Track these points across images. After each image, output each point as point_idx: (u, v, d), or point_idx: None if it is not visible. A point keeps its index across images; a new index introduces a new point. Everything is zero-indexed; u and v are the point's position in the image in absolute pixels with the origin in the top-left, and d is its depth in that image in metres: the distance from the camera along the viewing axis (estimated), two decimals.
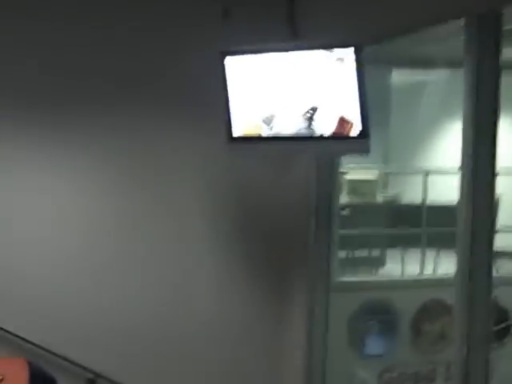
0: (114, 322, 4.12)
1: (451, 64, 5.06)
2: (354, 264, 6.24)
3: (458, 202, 3.12)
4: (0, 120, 3.91)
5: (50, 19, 3.95)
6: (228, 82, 3.63)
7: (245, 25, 4.11)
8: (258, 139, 3.63)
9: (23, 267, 3.98)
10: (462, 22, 3.07)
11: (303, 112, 3.45)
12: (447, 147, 7.52)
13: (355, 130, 3.28)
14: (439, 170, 6.66)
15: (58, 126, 4.03)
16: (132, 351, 4.16)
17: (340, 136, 3.34)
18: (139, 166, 4.20)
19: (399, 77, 6.79)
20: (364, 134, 3.25)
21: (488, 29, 2.98)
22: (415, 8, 3.34)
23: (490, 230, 3.10)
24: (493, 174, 3.06)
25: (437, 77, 6.53)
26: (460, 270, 3.12)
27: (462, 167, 3.09)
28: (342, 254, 5.45)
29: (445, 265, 5.91)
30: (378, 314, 4.50)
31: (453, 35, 3.30)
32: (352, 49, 3.17)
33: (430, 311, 4.65)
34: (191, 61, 4.13)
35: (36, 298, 3.99)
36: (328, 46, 3.27)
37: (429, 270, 6.16)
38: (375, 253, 6.64)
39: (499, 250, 3.83)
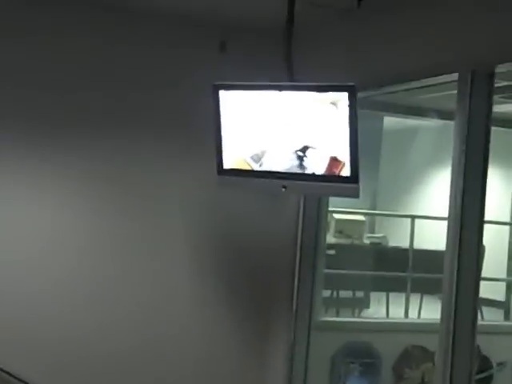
0: (91, 349, 4.07)
1: (442, 114, 5.16)
2: (337, 304, 6.23)
3: (445, 250, 3.14)
4: None
5: (49, 47, 3.98)
6: (221, 115, 3.65)
7: (241, 59, 4.17)
8: (249, 173, 3.64)
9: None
10: (455, 76, 3.13)
11: (294, 150, 3.47)
12: (435, 194, 7.61)
13: (346, 170, 3.30)
14: (426, 216, 6.71)
15: (52, 147, 4.02)
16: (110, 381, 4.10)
17: (331, 175, 3.36)
18: (128, 193, 4.18)
19: (390, 123, 6.88)
20: (354, 179, 3.26)
21: (481, 85, 3.04)
22: (411, 58, 3.40)
23: (476, 278, 3.10)
24: (480, 224, 3.09)
25: (427, 125, 6.62)
26: (444, 317, 3.12)
27: (450, 216, 3.12)
28: (326, 293, 5.45)
29: (429, 310, 5.92)
30: (359, 356, 4.48)
31: (446, 88, 3.36)
32: (346, 93, 3.20)
33: (412, 357, 4.63)
34: (185, 92, 4.17)
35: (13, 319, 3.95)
36: (323, 89, 3.31)
37: (413, 315, 6.17)
38: (359, 294, 6.63)
39: (484, 298, 3.84)
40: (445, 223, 3.18)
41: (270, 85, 3.51)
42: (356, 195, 3.32)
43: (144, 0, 3.91)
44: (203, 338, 4.33)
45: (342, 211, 6.41)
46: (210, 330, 4.35)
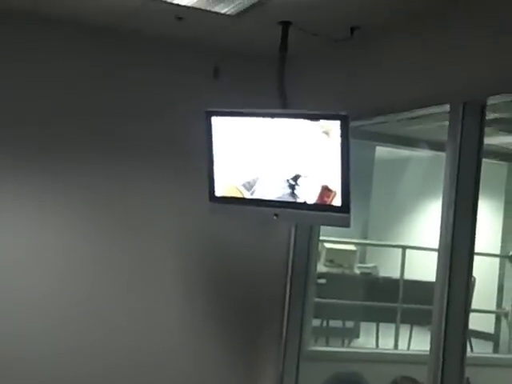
0: (81, 370, 4.03)
1: (434, 145, 5.19)
2: (327, 334, 6.20)
3: (435, 281, 3.13)
4: None
5: (45, 73, 3.99)
6: (213, 142, 3.65)
7: (235, 85, 4.19)
8: (240, 200, 3.64)
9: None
10: (447, 107, 3.14)
11: (287, 178, 3.47)
12: (426, 224, 7.61)
13: (338, 199, 3.30)
14: (417, 246, 6.71)
15: (51, 174, 4.01)
16: None
17: (322, 204, 3.36)
18: (120, 219, 4.16)
19: (382, 152, 6.92)
20: (345, 208, 3.26)
21: (472, 117, 3.05)
22: (403, 89, 3.43)
23: (465, 309, 3.09)
24: (471, 255, 3.08)
25: (419, 156, 6.65)
26: (433, 348, 3.10)
27: (440, 247, 3.12)
28: (315, 322, 5.42)
29: (418, 341, 5.89)
30: None
31: (437, 119, 3.38)
32: (339, 122, 3.21)
33: None
34: (178, 118, 4.18)
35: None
36: (315, 117, 3.32)
37: (402, 346, 6.13)
38: (349, 324, 6.60)
39: (473, 330, 3.83)
40: (435, 254, 3.17)
41: (262, 112, 3.52)
42: (347, 225, 3.32)
43: (137, 25, 3.94)
44: (192, 367, 4.29)
45: (332, 240, 6.40)
46: (199, 358, 4.31)
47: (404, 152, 6.73)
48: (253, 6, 3.42)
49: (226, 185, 3.68)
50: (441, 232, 3.12)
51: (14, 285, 3.94)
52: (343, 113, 3.21)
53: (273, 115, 3.50)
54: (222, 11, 3.55)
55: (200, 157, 3.73)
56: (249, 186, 3.61)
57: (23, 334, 3.94)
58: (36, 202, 3.99)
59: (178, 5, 3.49)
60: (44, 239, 4.02)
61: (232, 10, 3.52)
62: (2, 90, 3.90)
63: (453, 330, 3.04)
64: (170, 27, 3.89)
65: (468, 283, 3.08)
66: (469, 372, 3.16)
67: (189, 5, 3.48)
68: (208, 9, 3.52)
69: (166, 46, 4.16)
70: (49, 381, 3.98)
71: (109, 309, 4.13)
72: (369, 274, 7.08)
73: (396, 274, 6.30)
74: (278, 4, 3.37)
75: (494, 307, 6.93)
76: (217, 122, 3.64)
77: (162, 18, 3.75)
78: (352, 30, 3.61)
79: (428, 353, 3.16)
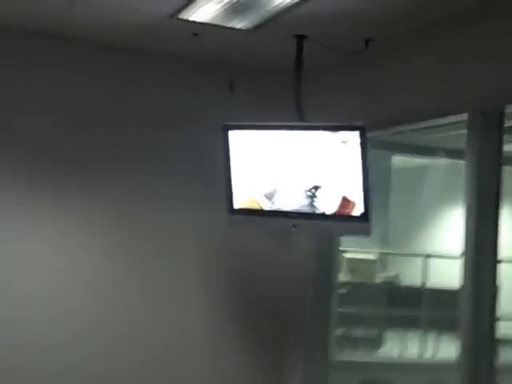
0: (104, 376, 4.06)
1: (452, 154, 5.16)
2: (351, 343, 6.17)
3: (460, 289, 3.12)
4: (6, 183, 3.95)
5: (62, 86, 4.06)
6: (231, 155, 3.68)
7: (251, 99, 4.22)
8: (259, 212, 3.65)
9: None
10: (465, 116, 3.14)
11: (305, 189, 3.48)
12: (447, 232, 7.56)
13: (357, 210, 3.30)
14: (439, 254, 6.66)
15: (66, 189, 4.06)
16: None
17: (342, 215, 3.36)
18: (137, 232, 4.20)
19: (399, 161, 6.89)
20: (366, 217, 3.27)
21: (490, 125, 3.05)
22: (421, 98, 3.43)
23: (493, 316, 3.07)
24: (495, 262, 3.07)
25: (437, 164, 6.61)
26: (463, 356, 3.08)
27: (465, 255, 3.11)
28: (339, 332, 5.39)
29: (444, 348, 5.84)
30: None
31: (455, 128, 3.38)
32: (357, 132, 3.23)
33: None
34: (196, 132, 4.22)
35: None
36: (333, 128, 3.34)
37: (428, 353, 6.09)
38: (373, 333, 6.56)
39: (501, 337, 3.80)
40: (457, 261, 3.16)
41: (280, 125, 3.55)
42: (367, 234, 3.33)
43: (153, 42, 3.98)
44: (217, 377, 4.29)
45: (353, 250, 6.38)
46: (224, 370, 4.32)
47: (421, 160, 6.70)
48: (267, 20, 3.45)
49: (244, 197, 3.70)
50: (464, 239, 3.11)
51: (38, 295, 3.99)
52: (360, 123, 3.23)
53: (291, 128, 3.52)
54: (237, 26, 3.58)
55: (217, 170, 3.76)
56: (267, 198, 3.63)
57: (46, 343, 3.98)
58: (53, 214, 4.04)
59: (193, 21, 3.53)
60: (63, 249, 4.06)
61: (247, 25, 3.56)
62: (21, 104, 3.96)
63: (481, 337, 3.03)
64: (185, 43, 3.93)
65: (494, 289, 3.07)
66: (499, 379, 3.14)
67: (204, 21, 3.52)
68: (223, 24, 3.56)
69: (182, 62, 4.21)
70: None
71: (132, 317, 4.16)
72: (391, 282, 7.04)
73: (418, 282, 6.26)
74: (292, 18, 3.39)
75: None
76: (234, 135, 3.67)
77: (178, 35, 3.79)
78: (367, 41, 3.63)
79: (453, 360, 3.15)
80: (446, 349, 5.16)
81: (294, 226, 3.53)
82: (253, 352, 4.39)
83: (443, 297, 5.80)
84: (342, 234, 4.18)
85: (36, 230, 4.01)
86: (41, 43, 3.97)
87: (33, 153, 3.97)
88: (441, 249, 7.08)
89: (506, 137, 3.07)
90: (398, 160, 6.79)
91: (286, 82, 3.79)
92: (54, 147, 4.02)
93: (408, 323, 6.29)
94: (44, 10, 3.57)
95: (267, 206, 3.62)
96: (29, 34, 3.90)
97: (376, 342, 6.53)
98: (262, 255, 4.39)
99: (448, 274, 4.09)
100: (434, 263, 6.40)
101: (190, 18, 3.50)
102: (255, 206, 3.66)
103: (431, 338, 6.29)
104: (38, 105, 3.99)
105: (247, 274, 4.38)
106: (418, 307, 6.06)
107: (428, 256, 6.35)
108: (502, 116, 3.04)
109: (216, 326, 4.32)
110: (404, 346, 6.31)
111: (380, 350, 6.39)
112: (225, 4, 3.28)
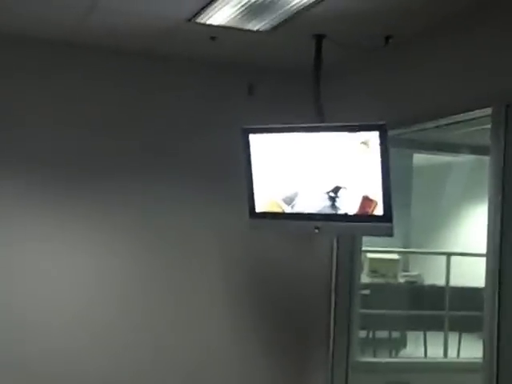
0: None
1: (474, 150, 5.10)
2: (374, 344, 6.13)
3: (484, 287, 3.08)
4: (25, 192, 3.97)
5: (84, 93, 4.08)
6: (252, 158, 3.67)
7: (271, 101, 4.21)
8: (281, 215, 3.65)
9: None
10: (489, 110, 3.10)
11: (327, 191, 3.47)
12: (470, 230, 7.49)
13: (379, 209, 3.28)
14: (462, 253, 6.60)
15: (90, 196, 4.07)
16: None
17: (364, 215, 3.34)
18: (162, 238, 4.21)
19: (421, 159, 6.84)
20: (387, 217, 3.25)
21: None
22: (443, 94, 3.39)
23: None
24: None
25: (458, 161, 6.55)
26: (487, 356, 3.04)
27: (489, 253, 3.07)
28: (362, 333, 5.37)
29: (468, 349, 5.79)
30: None
31: (478, 123, 3.34)
32: (377, 132, 3.21)
33: None
34: (216, 136, 4.21)
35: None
36: (354, 128, 3.32)
37: (451, 354, 6.03)
38: (396, 334, 6.52)
39: None
40: (482, 259, 3.13)
41: (300, 127, 3.53)
42: (390, 234, 3.30)
43: (171, 47, 3.99)
44: (240, 379, 4.30)
45: (375, 250, 6.35)
46: (247, 371, 4.32)
47: (443, 158, 6.65)
48: (285, 21, 3.44)
49: (265, 200, 3.69)
50: (488, 237, 3.07)
51: (64, 304, 4.01)
52: (381, 122, 3.21)
53: (311, 129, 3.50)
54: (255, 28, 3.58)
55: (238, 173, 3.75)
56: (289, 201, 3.62)
57: (72, 352, 4.00)
58: (75, 219, 4.05)
59: (210, 25, 3.53)
60: (86, 256, 4.08)
61: (264, 27, 3.55)
62: (39, 110, 3.98)
63: (506, 336, 2.98)
64: (203, 47, 3.93)
65: None
66: None
67: (221, 24, 3.52)
68: (240, 27, 3.56)
69: (200, 66, 4.21)
70: None
71: (156, 320, 4.17)
72: (413, 282, 6.99)
73: (441, 282, 6.21)
74: (310, 18, 3.38)
75: None
76: (254, 138, 3.66)
77: (195, 39, 3.79)
78: (386, 38, 3.60)
79: (478, 360, 3.12)
80: (470, 349, 5.11)
81: (316, 227, 3.51)
82: (275, 354, 4.38)
83: (467, 296, 5.75)
84: (365, 235, 4.16)
85: (54, 236, 4.02)
86: (58, 52, 4.00)
87: (52, 159, 3.99)
88: (464, 247, 7.02)
89: None
90: (420, 158, 6.76)
91: (305, 82, 3.78)
92: (75, 154, 4.04)
93: (431, 323, 6.24)
94: (61, 19, 3.59)
95: (289, 208, 3.61)
96: (46, 43, 3.92)
97: (399, 343, 6.49)
98: (285, 258, 4.38)
99: (472, 272, 4.05)
100: (459, 261, 6.34)
101: (207, 22, 3.49)
102: (277, 209, 3.65)
103: (455, 338, 6.23)
104: (59, 109, 4.02)
105: (270, 277, 4.37)
106: (442, 307, 6.00)
107: (451, 254, 6.28)
108: None
109: (239, 328, 4.32)
110: (427, 347, 6.27)
111: (403, 351, 6.35)
112: (241, 6, 3.27)
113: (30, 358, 3.90)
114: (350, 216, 3.40)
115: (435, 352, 6.07)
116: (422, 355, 6.24)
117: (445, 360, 5.85)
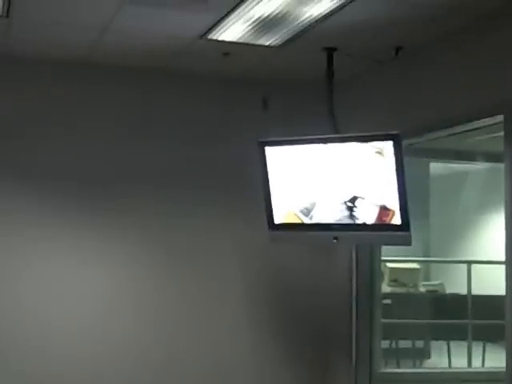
0: None
1: (491, 157, 5.07)
2: (397, 355, 6.08)
3: (505, 295, 3.06)
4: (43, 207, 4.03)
5: (105, 109, 4.16)
6: (268, 171, 3.70)
7: (284, 115, 4.24)
8: (299, 226, 3.66)
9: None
10: (501, 118, 3.11)
11: (344, 201, 3.48)
12: (490, 237, 7.43)
13: (397, 218, 3.29)
14: (482, 261, 6.55)
15: (112, 212, 4.13)
16: None
17: (381, 224, 3.35)
18: (182, 252, 4.24)
19: (437, 169, 6.83)
20: (405, 226, 3.25)
21: None
22: (454, 103, 3.41)
23: None
24: None
25: (476, 169, 6.52)
26: (509, 365, 3.02)
27: (507, 260, 3.05)
28: (384, 344, 5.34)
29: (493, 358, 5.72)
30: None
31: (492, 130, 3.34)
32: (391, 142, 3.22)
33: None
34: (233, 150, 4.25)
35: None
36: (368, 138, 3.34)
37: (476, 364, 5.97)
38: (419, 344, 6.46)
39: None
40: (503, 267, 3.11)
41: (315, 138, 3.56)
42: (408, 243, 3.30)
43: (185, 63, 4.04)
44: None
45: (395, 260, 6.32)
46: (269, 383, 4.31)
47: (461, 166, 6.63)
48: (296, 35, 3.48)
49: (284, 212, 3.71)
50: (506, 244, 3.06)
51: (82, 315, 4.06)
52: (395, 132, 3.22)
53: (326, 140, 3.53)
54: (266, 43, 3.62)
55: (256, 186, 3.78)
56: (307, 212, 3.63)
57: (89, 360, 4.04)
58: (90, 233, 4.10)
59: (223, 41, 3.58)
60: (103, 273, 4.12)
61: (276, 42, 3.59)
62: (62, 129, 4.07)
63: None
64: (217, 63, 3.98)
65: None
66: None
67: (233, 40, 3.57)
68: (252, 42, 3.60)
69: (214, 81, 4.26)
70: None
71: (176, 334, 4.20)
72: (435, 291, 6.94)
73: (463, 290, 6.16)
74: (320, 31, 3.41)
75: None
76: (270, 150, 3.69)
77: (208, 55, 3.84)
78: (397, 49, 3.63)
79: (503, 369, 3.09)
80: (495, 358, 5.05)
81: (335, 238, 3.52)
82: (297, 366, 4.37)
83: (490, 304, 5.69)
84: (383, 244, 4.15)
85: (69, 250, 4.07)
86: (73, 72, 4.07)
87: (67, 175, 4.05)
88: (486, 255, 6.95)
89: None
90: (437, 167, 6.74)
91: (318, 95, 3.81)
92: (89, 169, 4.10)
93: (455, 333, 6.18)
94: (76, 41, 3.67)
95: (307, 219, 3.63)
96: (61, 63, 4.00)
97: (423, 353, 6.43)
98: (304, 268, 4.39)
99: (494, 280, 4.02)
100: (481, 269, 6.29)
101: (219, 38, 3.54)
102: (295, 220, 3.67)
103: (479, 347, 6.17)
104: (73, 129, 4.09)
105: (290, 287, 4.38)
106: (465, 316, 5.94)
107: (471, 262, 6.23)
108: None
109: (260, 340, 4.32)
110: (451, 356, 6.21)
111: (427, 361, 6.30)
112: (252, 22, 3.31)
113: (50, 367, 3.95)
114: (368, 225, 3.41)
115: (460, 362, 6.01)
116: (446, 365, 6.18)
117: (469, 370, 5.79)
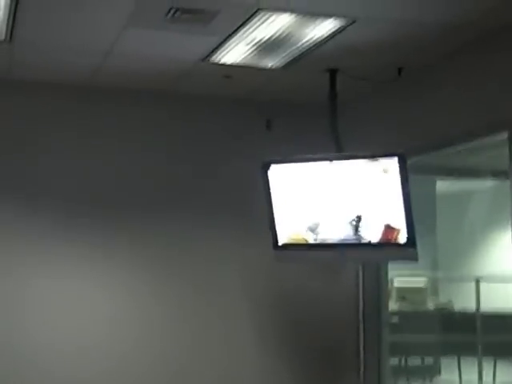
0: None
1: (497, 175, 5.05)
2: (407, 372, 6.05)
3: None
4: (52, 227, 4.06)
5: (107, 135, 4.19)
6: (272, 191, 3.71)
7: (288, 136, 4.26)
8: (304, 246, 3.66)
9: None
10: (505, 135, 3.12)
11: (349, 220, 3.48)
12: (498, 255, 7.40)
13: (402, 236, 3.29)
14: (491, 278, 6.51)
15: (116, 233, 4.15)
16: None
17: (387, 243, 3.35)
18: (187, 273, 4.25)
19: (444, 187, 6.82)
20: (411, 242, 3.25)
21: None
22: (457, 121, 3.42)
23: None
24: None
25: (483, 186, 6.50)
26: None
27: None
28: (393, 361, 5.30)
29: (503, 375, 5.68)
30: None
31: (497, 147, 3.34)
32: (396, 159, 3.23)
33: None
34: (236, 171, 4.28)
35: None
36: (372, 157, 3.35)
37: (486, 380, 5.92)
38: (429, 361, 6.42)
39: None
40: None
41: (320, 157, 3.57)
42: (414, 259, 3.30)
43: (188, 87, 4.08)
44: None
45: (401, 279, 6.29)
46: None
47: (467, 184, 6.60)
48: (298, 57, 3.51)
49: (288, 232, 3.71)
50: None
51: (87, 336, 4.06)
52: (399, 151, 3.24)
53: (331, 159, 3.54)
54: (268, 65, 3.65)
55: (260, 206, 3.79)
56: (312, 231, 3.64)
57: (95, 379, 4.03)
58: (102, 257, 4.12)
59: (224, 64, 3.61)
60: (112, 295, 4.14)
61: (278, 64, 3.62)
62: (71, 152, 4.12)
63: None
64: (219, 85, 4.02)
65: None
66: None
67: (235, 63, 3.59)
68: (254, 65, 3.63)
69: (217, 104, 4.30)
70: None
71: (181, 356, 4.19)
72: (444, 308, 6.90)
73: (471, 307, 6.12)
74: (322, 53, 3.44)
75: None
76: (274, 171, 3.70)
77: (211, 78, 3.87)
78: (399, 70, 3.65)
79: None
80: (507, 374, 5.01)
81: (340, 257, 3.52)
82: None
83: (499, 321, 5.66)
84: (390, 261, 4.14)
85: (76, 272, 4.08)
86: (76, 96, 4.12)
87: (76, 198, 4.09)
88: (493, 272, 6.92)
89: None
90: (444, 185, 6.73)
91: (322, 115, 3.83)
92: (99, 193, 4.13)
93: (464, 349, 6.14)
94: (77, 66, 3.72)
95: (312, 238, 3.63)
96: (66, 87, 4.05)
97: (433, 370, 6.39)
98: (311, 287, 4.38)
99: (503, 297, 4.00)
100: (489, 287, 6.26)
101: (221, 61, 3.57)
102: (300, 240, 3.67)
103: (489, 364, 6.12)
104: (83, 153, 4.13)
105: (296, 306, 4.37)
106: (474, 333, 5.91)
107: (479, 280, 6.20)
108: None
109: (266, 358, 4.31)
110: (461, 374, 6.16)
111: (437, 378, 6.25)
112: (254, 45, 3.34)
113: None
114: (375, 244, 3.41)
115: (470, 379, 5.97)
116: (457, 382, 6.14)
117: None
